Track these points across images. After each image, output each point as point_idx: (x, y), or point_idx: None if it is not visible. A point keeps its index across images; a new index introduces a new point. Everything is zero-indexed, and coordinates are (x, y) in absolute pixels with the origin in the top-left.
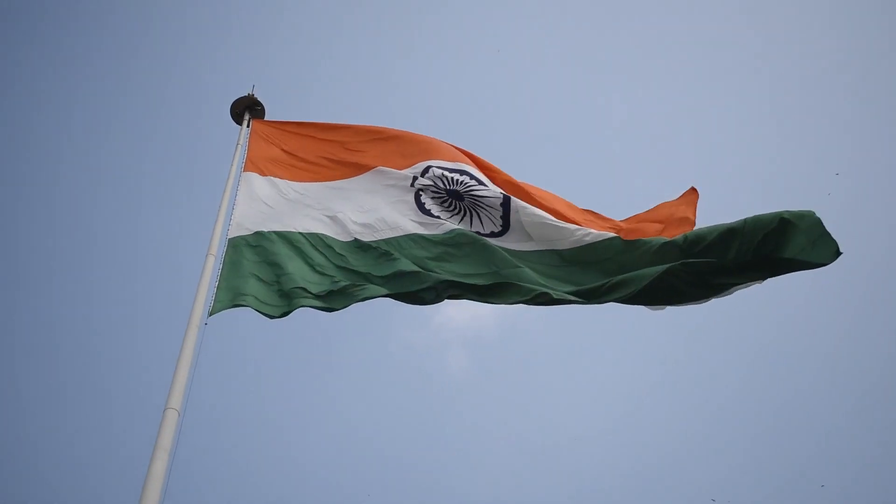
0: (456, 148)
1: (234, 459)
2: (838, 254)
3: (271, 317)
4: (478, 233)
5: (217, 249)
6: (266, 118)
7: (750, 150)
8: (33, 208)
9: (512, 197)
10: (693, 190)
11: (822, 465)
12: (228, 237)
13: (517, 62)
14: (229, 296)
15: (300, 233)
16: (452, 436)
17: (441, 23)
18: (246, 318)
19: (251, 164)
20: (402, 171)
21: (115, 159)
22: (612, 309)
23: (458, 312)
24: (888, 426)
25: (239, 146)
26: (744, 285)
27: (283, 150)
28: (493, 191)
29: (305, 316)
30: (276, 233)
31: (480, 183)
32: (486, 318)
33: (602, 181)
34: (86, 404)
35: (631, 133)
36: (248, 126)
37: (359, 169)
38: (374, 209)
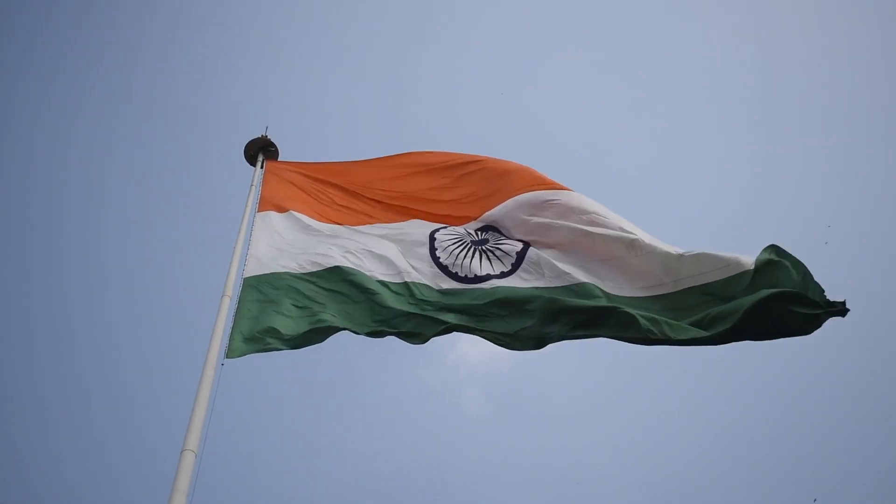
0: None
1: (252, 500)
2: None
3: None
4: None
5: (232, 290)
6: (279, 159)
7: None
8: (43, 250)
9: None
10: None
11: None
12: (244, 276)
13: (519, 102)
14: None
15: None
16: (468, 473)
17: (453, 61)
18: (261, 358)
19: (266, 204)
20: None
21: (127, 203)
22: (626, 344)
23: (473, 349)
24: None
25: (253, 187)
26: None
27: (306, 187)
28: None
29: (323, 355)
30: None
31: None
32: (501, 355)
33: None
34: (103, 446)
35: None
36: (261, 167)
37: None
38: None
